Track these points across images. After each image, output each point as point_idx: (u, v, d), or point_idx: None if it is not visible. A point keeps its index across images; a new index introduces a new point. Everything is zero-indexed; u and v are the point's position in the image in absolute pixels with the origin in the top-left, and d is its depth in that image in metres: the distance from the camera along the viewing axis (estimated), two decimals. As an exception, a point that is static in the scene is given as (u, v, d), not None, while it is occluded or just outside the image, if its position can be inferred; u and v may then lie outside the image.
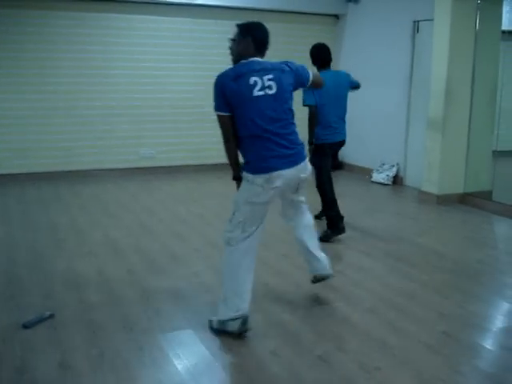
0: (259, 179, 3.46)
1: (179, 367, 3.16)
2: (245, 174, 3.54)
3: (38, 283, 4.35)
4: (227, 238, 3.58)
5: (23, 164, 8.16)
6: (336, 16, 9.69)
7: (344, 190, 6.11)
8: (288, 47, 9.38)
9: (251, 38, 3.54)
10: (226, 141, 3.60)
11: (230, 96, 3.38)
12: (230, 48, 3.65)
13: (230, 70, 3.48)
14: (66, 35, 8.14)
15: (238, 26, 3.64)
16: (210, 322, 3.61)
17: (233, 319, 3.46)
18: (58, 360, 3.19)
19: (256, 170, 3.47)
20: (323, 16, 9.58)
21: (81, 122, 8.40)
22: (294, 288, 4.35)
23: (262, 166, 3.44)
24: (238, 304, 3.47)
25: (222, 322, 3.51)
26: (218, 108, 3.46)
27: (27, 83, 8.04)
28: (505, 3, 7.00)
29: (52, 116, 8.24)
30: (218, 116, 3.48)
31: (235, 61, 3.58)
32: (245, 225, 3.54)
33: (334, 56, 9.58)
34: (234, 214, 3.60)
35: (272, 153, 3.43)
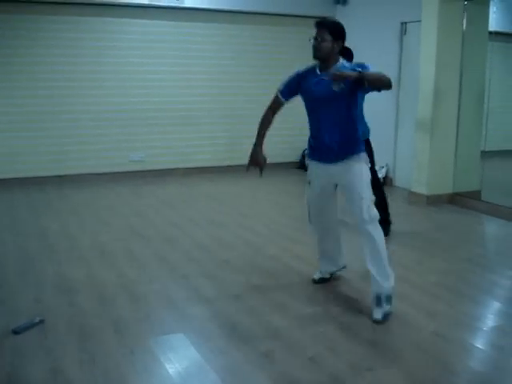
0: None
1: (170, 371, 3.15)
2: (364, 155, 3.90)
3: (28, 288, 4.33)
4: (375, 216, 3.81)
5: (12, 169, 8.12)
6: (323, 18, 9.69)
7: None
8: (275, 50, 9.43)
9: (342, 42, 3.91)
10: None
11: None
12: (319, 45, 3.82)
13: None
14: (55, 39, 8.12)
15: (331, 25, 3.90)
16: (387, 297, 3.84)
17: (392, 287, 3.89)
18: (49, 365, 3.17)
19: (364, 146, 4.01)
20: (311, 18, 9.52)
21: (70, 127, 8.37)
22: (284, 289, 4.35)
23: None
24: (390, 273, 3.92)
25: (390, 297, 3.86)
26: None
27: (16, 88, 8.01)
28: (491, 4, 7.05)
29: (41, 120, 8.21)
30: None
31: (322, 59, 3.85)
32: None
33: (322, 58, 9.68)
34: (368, 196, 3.83)
35: None
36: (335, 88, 3.70)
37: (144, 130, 8.81)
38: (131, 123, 8.70)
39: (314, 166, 4.11)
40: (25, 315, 3.80)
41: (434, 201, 7.20)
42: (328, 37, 3.79)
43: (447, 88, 7.09)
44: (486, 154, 7.41)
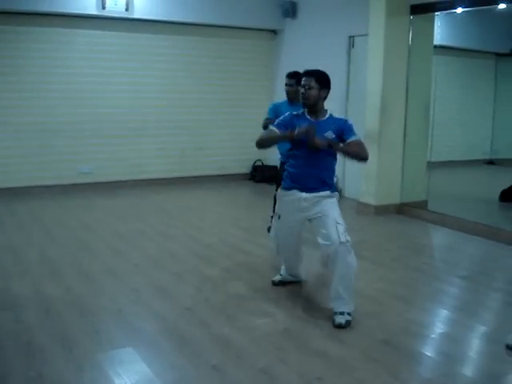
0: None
1: (120, 386, 3.11)
2: (335, 193, 4.27)
3: (-29, 305, 4.21)
4: (349, 241, 4.00)
5: (-45, 182, 7.91)
6: (274, 31, 9.81)
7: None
8: (226, 62, 9.46)
9: (328, 90, 4.22)
10: None
11: None
12: (306, 93, 4.13)
13: None
14: (0, 50, 7.94)
15: (318, 75, 4.18)
16: (348, 321, 3.96)
17: None
18: (-7, 384, 3.09)
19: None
20: (261, 31, 9.68)
21: (16, 138, 8.19)
22: (234, 302, 4.35)
23: None
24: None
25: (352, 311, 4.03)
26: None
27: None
28: (436, 19, 7.24)
29: (-15, 132, 8.02)
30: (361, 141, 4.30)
31: (309, 105, 4.18)
32: None
33: (272, 70, 9.77)
34: (343, 223, 4.08)
35: None
36: (327, 136, 4.09)
37: (93, 142, 8.70)
38: (80, 135, 8.58)
39: (287, 199, 4.30)
40: (-32, 332, 3.69)
41: (381, 211, 7.32)
42: (314, 84, 4.11)
43: (394, 100, 7.24)
44: (431, 165, 7.58)
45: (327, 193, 4.18)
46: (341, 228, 4.00)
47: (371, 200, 7.38)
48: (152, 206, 7.81)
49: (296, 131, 3.99)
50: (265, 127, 5.49)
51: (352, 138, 4.13)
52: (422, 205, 7.35)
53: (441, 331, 3.98)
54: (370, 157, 7.18)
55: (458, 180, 8.65)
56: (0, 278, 4.79)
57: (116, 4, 8.27)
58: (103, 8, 8.18)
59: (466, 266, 5.48)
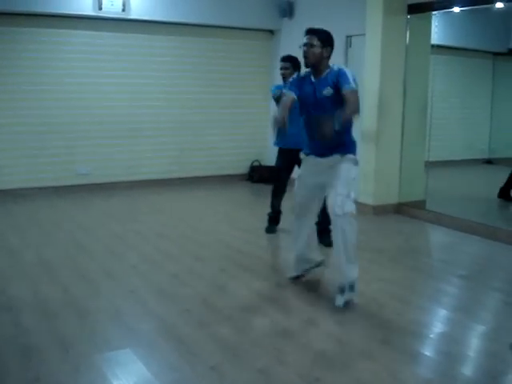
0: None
1: (117, 388, 3.09)
2: (352, 157, 4.20)
3: (-33, 307, 4.18)
4: (352, 210, 4.08)
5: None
6: (271, 31, 9.80)
7: (283, 203, 6.18)
8: (223, 62, 9.44)
9: (331, 49, 4.27)
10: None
11: None
12: (308, 51, 4.16)
13: None
14: (-4, 50, 7.93)
15: (320, 33, 4.23)
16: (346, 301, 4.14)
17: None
18: (-10, 386, 3.07)
19: (356, 149, 4.34)
20: (258, 31, 9.67)
21: (10, 140, 8.14)
22: (232, 301, 4.33)
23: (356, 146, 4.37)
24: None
25: (354, 282, 4.18)
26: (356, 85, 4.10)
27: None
28: (433, 18, 7.22)
29: (-19, 133, 7.99)
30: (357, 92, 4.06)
31: (312, 64, 4.18)
32: None
33: (268, 70, 9.75)
34: (349, 190, 4.08)
35: None
36: (325, 93, 4.09)
37: (90, 143, 8.67)
38: (76, 136, 8.54)
39: (307, 163, 4.40)
40: (-36, 334, 3.67)
41: (380, 211, 7.30)
42: (317, 43, 4.12)
43: (391, 100, 7.23)
44: (429, 165, 7.57)
45: (340, 156, 4.16)
46: (339, 199, 4.02)
47: (369, 200, 7.36)
48: (149, 207, 7.78)
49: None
50: (277, 100, 5.66)
51: (345, 88, 4.00)
52: (420, 204, 7.33)
53: (440, 331, 3.97)
54: (368, 156, 7.30)
55: (456, 179, 8.65)
56: (-4, 280, 4.77)
57: (112, 4, 8.24)
58: (100, 9, 8.15)
59: (464, 265, 5.47)
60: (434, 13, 7.09)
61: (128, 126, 8.89)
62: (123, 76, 8.77)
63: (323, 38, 4.16)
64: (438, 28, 7.34)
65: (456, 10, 6.81)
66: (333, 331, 3.82)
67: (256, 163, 9.76)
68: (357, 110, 4.04)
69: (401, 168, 7.48)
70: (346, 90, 3.99)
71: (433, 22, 7.27)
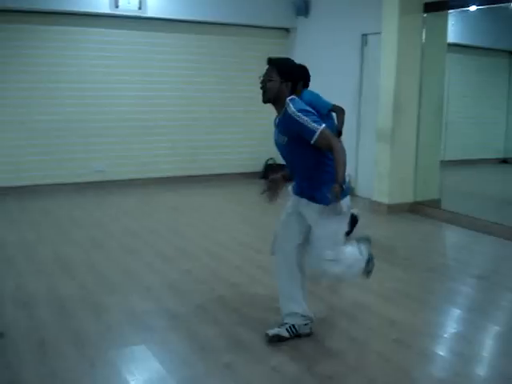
0: (348, 199, 3.47)
1: (132, 383, 3.11)
2: (337, 204, 3.26)
3: (-15, 302, 4.24)
4: (338, 274, 3.60)
5: (-31, 180, 7.97)
6: (286, 29, 9.80)
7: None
8: (239, 60, 9.45)
9: (292, 83, 3.50)
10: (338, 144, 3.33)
11: None
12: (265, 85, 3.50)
13: (298, 100, 3.51)
14: (15, 48, 7.99)
15: (280, 62, 3.54)
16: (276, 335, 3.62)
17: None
18: (8, 379, 3.11)
19: (347, 192, 3.40)
20: (273, 29, 9.67)
21: (29, 136, 8.24)
22: (246, 299, 4.35)
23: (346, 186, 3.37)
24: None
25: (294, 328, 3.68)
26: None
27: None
28: (450, 17, 7.20)
29: (0, 130, 8.06)
30: (324, 128, 3.28)
31: (268, 100, 3.51)
32: None
33: (284, 69, 9.73)
34: (336, 251, 3.47)
35: None
36: (280, 141, 3.48)
37: (105, 140, 8.73)
38: (92, 133, 8.61)
39: (291, 198, 3.70)
40: (-18, 329, 3.72)
41: (394, 210, 7.29)
42: (275, 77, 3.45)
43: (407, 98, 7.21)
44: (445, 164, 7.54)
45: (316, 206, 3.42)
46: (326, 257, 3.42)
47: (384, 199, 7.35)
48: (164, 205, 7.82)
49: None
50: None
51: (314, 138, 3.26)
52: (435, 204, 7.31)
53: (454, 331, 3.96)
54: (383, 155, 7.29)
55: (472, 179, 8.61)
56: (14, 276, 4.82)
57: (129, 3, 8.29)
58: (116, 7, 8.21)
59: (479, 265, 5.45)
60: (450, 11, 7.06)
61: (143, 124, 8.93)
62: (139, 74, 8.81)
63: (283, 71, 3.45)
64: (455, 27, 7.32)
65: (472, 8, 6.77)
66: (346, 329, 3.82)
67: (271, 161, 9.76)
68: (333, 148, 3.25)
69: (416, 167, 7.46)
70: (315, 138, 3.26)
71: (449, 20, 7.25)
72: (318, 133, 3.25)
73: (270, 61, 3.53)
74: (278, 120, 3.55)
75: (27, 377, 3.15)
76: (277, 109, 3.54)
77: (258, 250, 5.64)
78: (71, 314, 4.03)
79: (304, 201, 3.51)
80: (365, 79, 8.31)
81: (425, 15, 7.13)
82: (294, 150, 3.45)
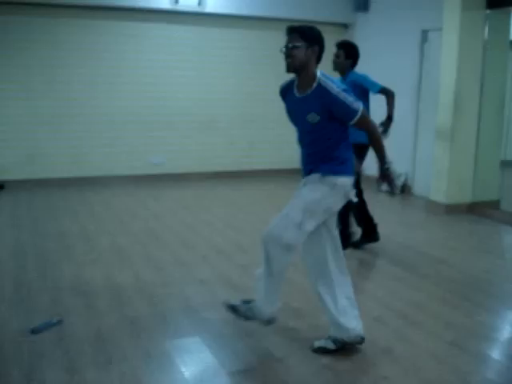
0: (350, 182, 3.34)
1: (186, 374, 3.17)
2: (333, 178, 3.26)
3: (46, 289, 4.37)
4: (293, 242, 3.28)
5: (33, 170, 8.22)
6: (344, 25, 9.73)
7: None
8: (297, 56, 9.42)
9: (319, 48, 3.36)
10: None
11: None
12: (290, 54, 3.32)
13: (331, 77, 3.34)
14: (75, 43, 8.22)
15: (303, 27, 3.36)
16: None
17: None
18: (66, 366, 3.20)
19: (352, 171, 3.35)
20: (331, 25, 9.60)
21: (90, 129, 8.47)
22: (301, 295, 4.35)
23: (352, 166, 3.36)
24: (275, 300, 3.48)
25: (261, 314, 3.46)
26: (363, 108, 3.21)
27: (37, 90, 8.12)
28: (513, 13, 7.02)
29: (61, 123, 8.31)
30: (364, 112, 3.19)
31: (295, 70, 3.35)
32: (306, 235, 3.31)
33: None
34: (304, 218, 3.21)
35: None
36: (310, 119, 3.26)
37: (164, 134, 8.88)
38: (151, 127, 8.76)
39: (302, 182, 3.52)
40: (43, 315, 3.84)
41: (452, 210, 7.16)
42: (300, 43, 3.27)
43: (467, 97, 7.06)
44: (505, 164, 7.36)
45: (317, 176, 3.31)
46: (282, 223, 3.24)
47: (441, 198, 7.23)
48: (220, 199, 7.89)
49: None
50: None
51: (355, 119, 3.17)
52: (495, 204, 7.15)
53: (510, 335, 3.87)
54: (442, 153, 7.16)
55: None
56: (73, 265, 4.96)
57: (189, -2, 8.41)
58: (176, 2, 8.33)
59: (539, 268, 5.32)
60: (514, 7, 6.88)
61: (201, 118, 9.03)
62: (198, 69, 8.91)
63: (308, 35, 3.29)
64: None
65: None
66: (401, 330, 3.79)
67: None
68: (374, 133, 3.30)
69: (475, 166, 7.30)
70: (355, 120, 3.19)
71: (512, 17, 7.07)
72: (359, 113, 3.15)
73: (291, 29, 3.34)
74: (301, 96, 3.31)
75: (84, 364, 3.24)
76: (301, 79, 3.33)
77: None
78: (127, 304, 4.12)
79: (314, 176, 3.34)
80: (424, 76, 8.17)
81: (487, 11, 6.96)
82: (323, 129, 3.26)
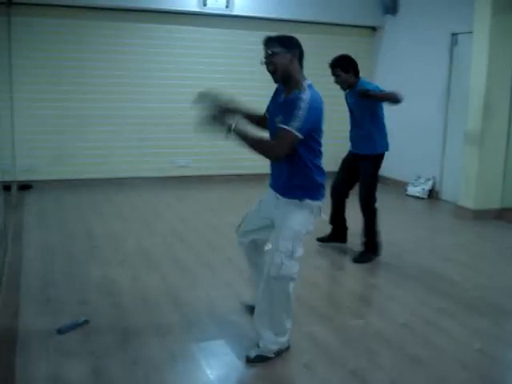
0: (320, 205, 3.38)
1: (211, 377, 3.16)
2: (309, 202, 3.30)
3: (73, 289, 4.40)
4: (292, 274, 3.28)
5: (60, 171, 8.30)
6: (373, 28, 9.67)
7: (378, 203, 5.99)
8: (324, 59, 9.38)
9: (299, 53, 3.34)
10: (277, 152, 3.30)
11: (318, 121, 3.28)
12: (270, 61, 3.34)
13: (316, 93, 3.30)
14: (103, 45, 8.29)
15: (279, 36, 3.36)
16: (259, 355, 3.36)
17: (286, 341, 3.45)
18: (91, 366, 3.22)
19: (321, 195, 3.39)
20: (360, 28, 9.56)
21: (117, 131, 8.52)
22: (327, 300, 4.33)
23: (324, 191, 3.41)
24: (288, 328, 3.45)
25: (277, 352, 3.39)
26: (303, 131, 3.12)
27: (65, 91, 8.19)
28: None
29: (89, 124, 8.37)
30: (295, 137, 3.12)
31: (281, 78, 3.36)
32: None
33: (370, 68, 9.62)
34: (296, 248, 3.27)
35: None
36: (277, 121, 3.25)
37: (190, 136, 8.89)
38: (178, 128, 8.78)
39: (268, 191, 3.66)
40: (69, 315, 3.86)
41: (480, 215, 7.05)
42: (279, 49, 3.27)
43: (498, 101, 6.96)
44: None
45: (294, 201, 3.31)
46: (278, 257, 3.22)
47: (470, 204, 7.13)
48: (245, 201, 7.85)
49: None
50: None
51: (280, 129, 3.17)
52: (524, 211, 7.04)
53: (542, 344, 3.81)
54: (471, 158, 7.07)
55: None
56: (99, 265, 4.98)
57: (217, 1, 8.41)
58: (204, 5, 8.35)
59: None
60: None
61: (228, 121, 9.03)
62: (226, 71, 8.91)
63: (285, 42, 3.30)
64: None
65: None
66: (428, 337, 3.74)
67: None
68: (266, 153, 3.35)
69: (505, 172, 7.19)
70: (278, 131, 3.20)
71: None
72: (287, 131, 3.10)
73: (268, 38, 3.37)
74: (283, 100, 3.36)
75: (110, 364, 3.25)
76: (287, 88, 3.34)
77: (341, 250, 5.60)
78: (153, 305, 4.13)
79: (286, 201, 3.36)
80: (453, 80, 8.07)
81: (520, 14, 6.87)
82: None
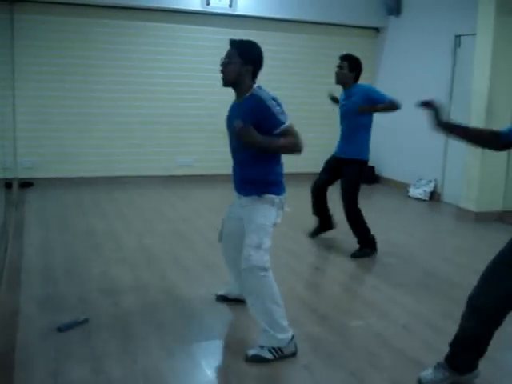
0: (283, 199, 3.58)
1: (211, 376, 3.16)
2: (270, 196, 3.47)
3: (73, 287, 4.40)
4: (263, 263, 3.33)
5: (63, 169, 8.30)
6: (376, 29, 9.66)
7: (379, 204, 5.98)
8: (327, 59, 9.38)
9: (252, 67, 3.56)
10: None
11: None
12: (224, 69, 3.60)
13: (265, 91, 3.52)
14: (107, 43, 8.30)
15: (242, 44, 3.63)
16: (256, 355, 3.33)
17: (289, 341, 3.39)
18: (91, 365, 3.21)
19: (283, 190, 3.59)
20: (363, 29, 9.55)
21: (120, 129, 8.52)
22: (327, 302, 4.32)
23: (282, 184, 3.60)
24: (286, 325, 3.42)
25: (279, 349, 3.36)
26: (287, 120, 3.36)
27: (68, 89, 8.20)
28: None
29: (92, 122, 8.38)
30: (292, 127, 3.38)
31: (229, 84, 3.60)
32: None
33: (373, 69, 9.62)
34: (262, 239, 3.37)
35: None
36: (235, 124, 3.32)
37: (193, 135, 8.91)
38: (180, 128, 8.80)
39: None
40: (70, 314, 3.86)
41: (482, 218, 7.05)
42: (236, 59, 3.46)
43: (501, 103, 6.95)
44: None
45: (256, 197, 3.46)
46: (246, 251, 3.33)
47: (472, 206, 7.12)
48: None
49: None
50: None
51: (277, 130, 3.27)
52: (526, 213, 7.03)
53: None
54: (473, 161, 7.06)
55: None
56: (100, 264, 4.98)
57: (220, 0, 8.41)
58: (207, 4, 8.36)
59: None
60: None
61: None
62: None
63: (245, 54, 3.46)
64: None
65: None
66: (429, 339, 3.73)
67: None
68: (295, 149, 3.42)
69: (507, 174, 7.19)
70: (278, 130, 3.30)
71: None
72: (285, 125, 3.30)
73: (232, 42, 3.54)
74: (237, 103, 3.54)
75: (109, 362, 3.24)
76: (237, 91, 3.54)
77: (340, 251, 5.59)
78: (154, 304, 4.12)
79: (249, 201, 3.52)
80: (456, 82, 8.06)
81: (523, 16, 6.86)
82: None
